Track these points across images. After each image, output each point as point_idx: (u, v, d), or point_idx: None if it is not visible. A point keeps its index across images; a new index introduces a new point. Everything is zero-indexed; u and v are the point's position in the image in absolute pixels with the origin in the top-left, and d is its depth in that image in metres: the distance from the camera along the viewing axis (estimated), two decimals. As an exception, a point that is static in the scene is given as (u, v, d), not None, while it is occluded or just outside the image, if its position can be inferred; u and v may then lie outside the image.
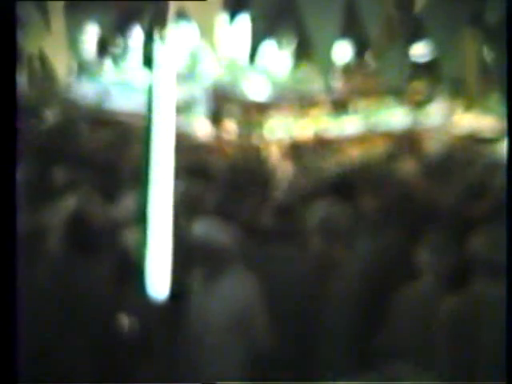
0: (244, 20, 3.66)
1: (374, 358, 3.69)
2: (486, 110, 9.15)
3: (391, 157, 8.89)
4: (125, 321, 3.85)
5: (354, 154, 10.10)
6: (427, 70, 4.52)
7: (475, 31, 3.02)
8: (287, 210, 4.67)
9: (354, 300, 4.25)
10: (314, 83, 10.06)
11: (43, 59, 2.93)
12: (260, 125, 11.75)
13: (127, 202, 4.98)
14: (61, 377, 3.66)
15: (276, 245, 4.42)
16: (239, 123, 11.70)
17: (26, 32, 2.67)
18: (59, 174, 5.84)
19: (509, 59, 2.47)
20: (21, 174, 2.00)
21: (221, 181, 6.13)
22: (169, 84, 4.15)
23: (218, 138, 11.19)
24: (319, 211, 4.82)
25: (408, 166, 7.79)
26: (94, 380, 3.80)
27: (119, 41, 5.77)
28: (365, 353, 3.85)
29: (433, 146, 10.76)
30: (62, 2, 2.30)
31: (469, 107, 3.38)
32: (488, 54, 3.24)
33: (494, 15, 2.63)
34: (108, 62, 7.11)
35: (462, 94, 3.43)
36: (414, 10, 2.18)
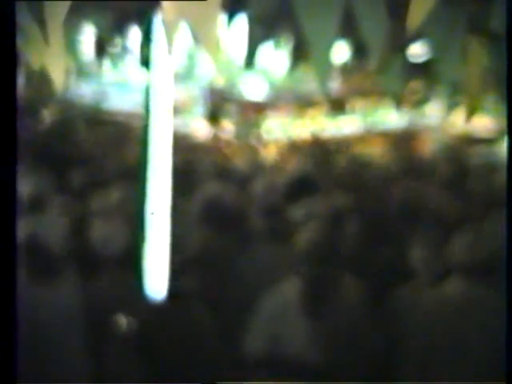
0: (242, 21, 3.67)
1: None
2: (482, 110, 9.16)
3: (389, 157, 8.90)
4: (123, 321, 3.85)
5: (352, 153, 10.10)
6: (424, 70, 4.53)
7: (477, 36, 3.03)
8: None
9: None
10: (312, 83, 10.06)
11: (40, 62, 2.93)
12: (257, 125, 11.76)
13: (124, 202, 4.98)
14: (60, 377, 3.67)
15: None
16: (237, 123, 11.70)
17: (24, 34, 2.67)
18: (57, 174, 5.85)
19: (509, 59, 2.47)
20: (20, 175, 2.00)
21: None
22: (166, 84, 4.15)
23: (216, 138, 11.19)
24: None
25: (405, 166, 7.80)
26: (94, 380, 3.80)
27: (117, 41, 5.78)
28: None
29: (430, 146, 10.78)
30: (60, 5, 2.30)
31: (472, 113, 3.36)
32: (487, 56, 3.25)
33: (498, 21, 2.64)
34: (106, 63, 7.12)
35: (463, 101, 3.44)
36: (409, 25, 2.18)
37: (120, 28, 5.32)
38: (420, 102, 9.24)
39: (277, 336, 3.65)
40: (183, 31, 2.13)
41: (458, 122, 10.01)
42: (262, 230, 4.77)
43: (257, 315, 3.80)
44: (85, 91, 10.90)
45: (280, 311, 3.71)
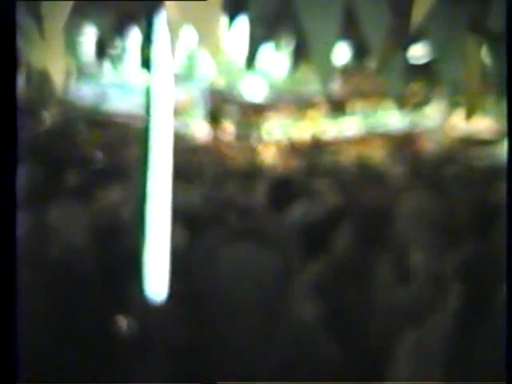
0: (242, 22, 3.67)
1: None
2: (483, 111, 9.18)
3: (389, 158, 8.91)
4: (123, 322, 3.86)
5: (352, 155, 10.12)
6: (425, 71, 4.53)
7: (477, 36, 3.04)
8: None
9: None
10: (312, 85, 10.07)
11: (41, 62, 2.93)
12: (258, 126, 11.77)
13: (125, 203, 4.99)
14: (60, 377, 3.67)
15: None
16: (237, 125, 11.72)
17: (24, 34, 2.67)
18: (57, 175, 5.86)
19: (508, 59, 2.48)
20: (20, 176, 2.00)
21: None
22: (167, 85, 4.15)
23: (216, 140, 11.20)
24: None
25: (405, 168, 7.81)
26: (93, 380, 3.80)
27: (117, 42, 5.78)
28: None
29: (430, 147, 10.78)
30: (61, 6, 2.30)
31: (471, 114, 3.36)
32: (487, 56, 3.25)
33: (498, 21, 2.64)
34: (106, 64, 7.11)
35: (463, 101, 3.44)
36: (412, 21, 2.18)
37: (120, 29, 5.32)
38: (421, 104, 9.25)
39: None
40: (184, 32, 2.13)
41: (459, 123, 10.02)
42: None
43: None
44: (85, 92, 10.91)
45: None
